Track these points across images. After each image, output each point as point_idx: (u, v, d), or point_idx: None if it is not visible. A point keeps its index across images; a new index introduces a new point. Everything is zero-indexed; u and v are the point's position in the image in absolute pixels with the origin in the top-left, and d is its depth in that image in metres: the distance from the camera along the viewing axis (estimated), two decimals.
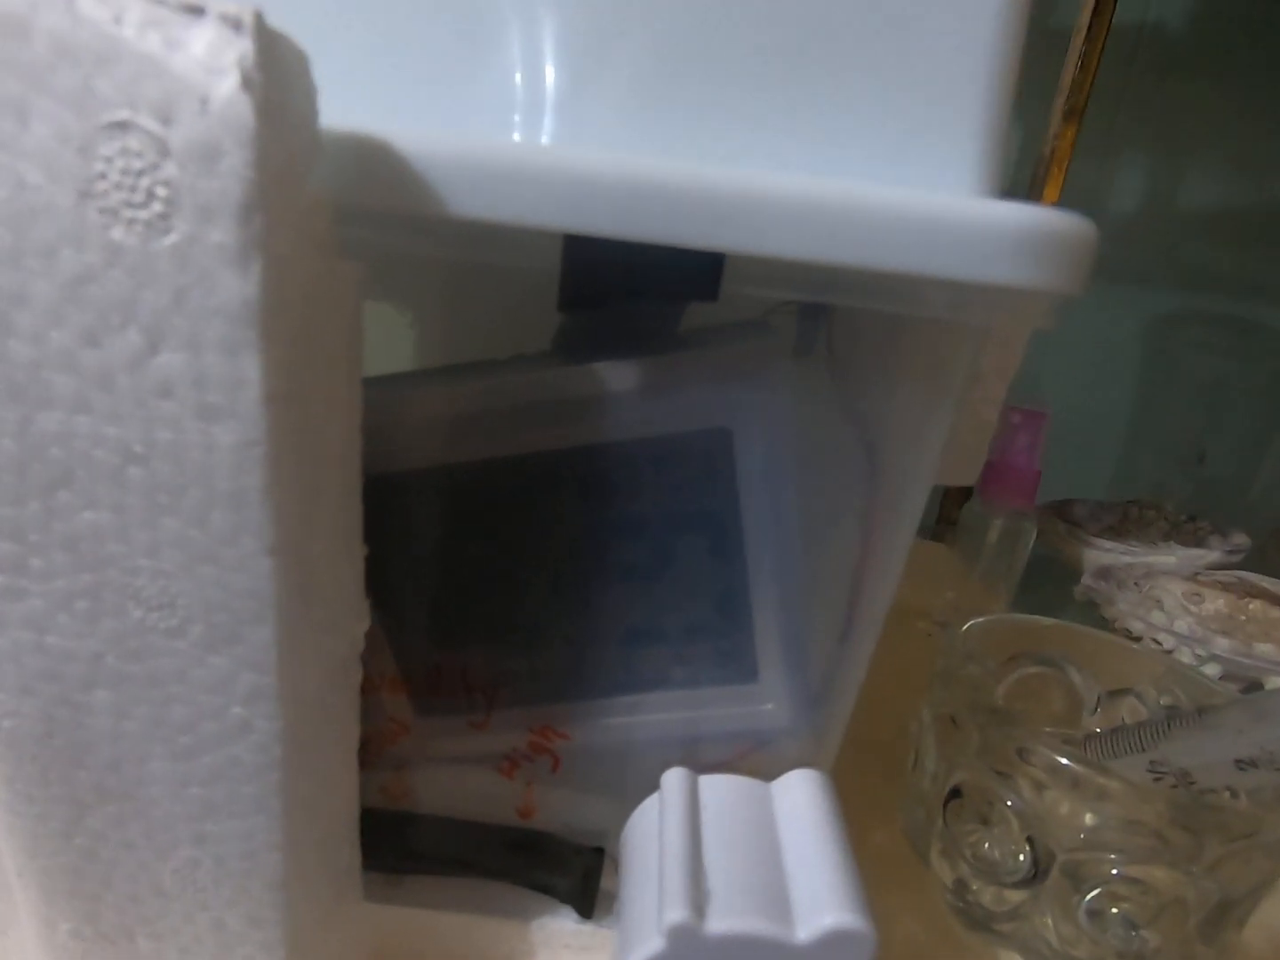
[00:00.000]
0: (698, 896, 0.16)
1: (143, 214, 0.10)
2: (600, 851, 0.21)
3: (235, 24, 0.10)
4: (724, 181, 0.13)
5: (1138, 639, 0.38)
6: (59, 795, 0.15)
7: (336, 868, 0.18)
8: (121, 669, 0.13)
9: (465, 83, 0.14)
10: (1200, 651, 0.37)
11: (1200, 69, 0.59)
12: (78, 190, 0.10)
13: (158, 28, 0.10)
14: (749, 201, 0.13)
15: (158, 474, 0.12)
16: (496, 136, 0.14)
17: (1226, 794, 0.22)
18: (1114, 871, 0.20)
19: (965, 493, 0.47)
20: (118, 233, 0.10)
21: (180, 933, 0.16)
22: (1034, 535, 0.42)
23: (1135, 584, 0.42)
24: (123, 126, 0.10)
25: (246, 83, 0.10)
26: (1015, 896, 0.21)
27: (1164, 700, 0.25)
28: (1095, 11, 0.48)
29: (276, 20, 0.10)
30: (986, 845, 0.22)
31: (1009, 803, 0.21)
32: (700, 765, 0.19)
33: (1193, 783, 0.20)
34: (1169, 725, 0.21)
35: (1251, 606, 0.40)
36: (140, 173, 0.10)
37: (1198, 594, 0.40)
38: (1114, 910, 0.20)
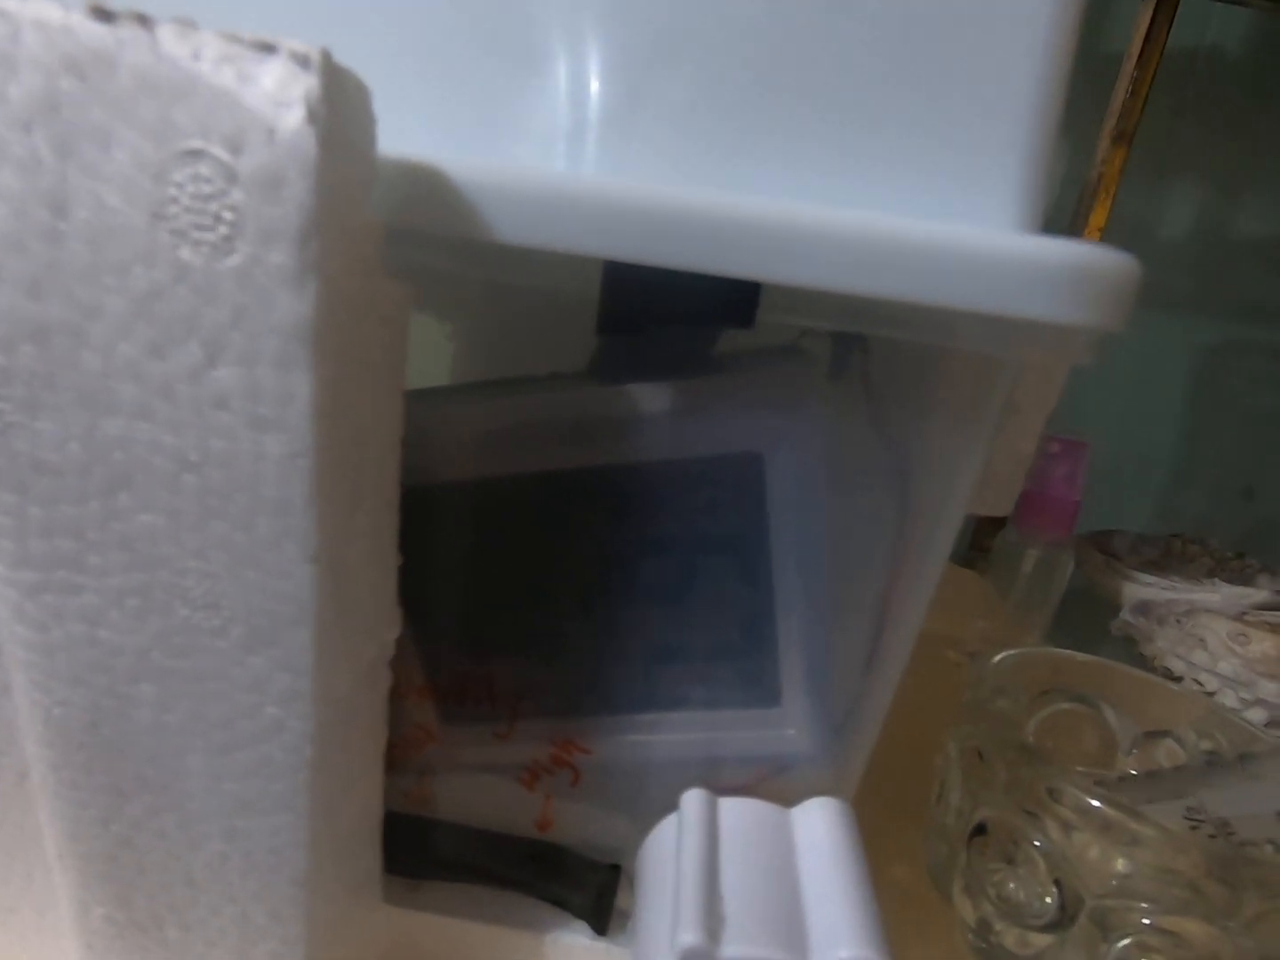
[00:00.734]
0: (712, 921, 0.16)
1: (209, 236, 0.11)
2: (617, 868, 0.21)
3: (304, 61, 0.10)
4: (762, 212, 0.13)
5: (1178, 679, 0.37)
6: (101, 784, 0.15)
7: (358, 869, 0.18)
8: (166, 664, 0.14)
9: (514, 112, 0.15)
10: (1245, 695, 0.35)
11: (1258, 94, 0.58)
12: (151, 212, 0.11)
13: (232, 63, 0.10)
14: (788, 232, 0.13)
15: (209, 480, 0.12)
16: (542, 164, 0.15)
17: (1268, 847, 0.21)
18: (1145, 921, 0.19)
19: (999, 519, 0.46)
20: (185, 253, 0.11)
21: (207, 924, 0.17)
22: (1071, 566, 0.41)
23: (1177, 621, 0.41)
24: (195, 155, 0.11)
25: (311, 116, 0.10)
26: (1040, 940, 0.21)
27: (1204, 745, 0.24)
28: (1148, 38, 0.48)
29: (342, 55, 0.11)
30: (1011, 885, 0.21)
31: (1036, 843, 0.20)
32: (719, 787, 0.19)
33: (1232, 833, 0.20)
34: (1208, 772, 0.20)
35: None
36: (209, 198, 0.11)
37: (1244, 634, 0.39)
38: None
